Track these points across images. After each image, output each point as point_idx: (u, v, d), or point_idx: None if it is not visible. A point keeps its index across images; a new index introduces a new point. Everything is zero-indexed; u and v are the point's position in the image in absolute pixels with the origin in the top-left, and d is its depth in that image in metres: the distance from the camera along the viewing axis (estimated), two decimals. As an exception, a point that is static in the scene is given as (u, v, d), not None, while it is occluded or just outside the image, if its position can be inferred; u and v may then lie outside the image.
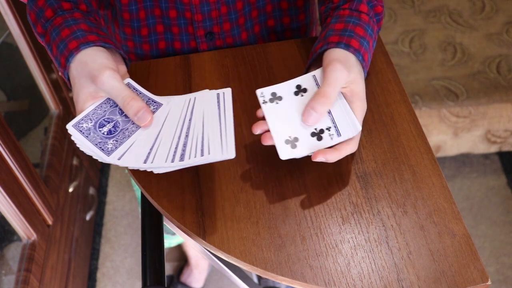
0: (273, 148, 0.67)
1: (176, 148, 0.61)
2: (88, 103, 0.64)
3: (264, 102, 0.63)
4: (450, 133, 1.64)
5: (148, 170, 0.61)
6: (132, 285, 1.67)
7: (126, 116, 0.64)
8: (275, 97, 0.63)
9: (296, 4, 0.82)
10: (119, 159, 0.61)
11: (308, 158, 0.66)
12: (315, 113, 0.60)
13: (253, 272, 0.58)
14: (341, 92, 0.63)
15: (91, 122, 0.63)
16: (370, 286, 0.55)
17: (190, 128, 0.63)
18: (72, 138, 0.64)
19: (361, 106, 0.63)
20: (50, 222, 1.32)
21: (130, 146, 0.62)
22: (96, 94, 0.64)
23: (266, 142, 0.61)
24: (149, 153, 0.61)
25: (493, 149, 1.74)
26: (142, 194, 0.66)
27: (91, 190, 1.72)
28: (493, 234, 1.70)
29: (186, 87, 0.74)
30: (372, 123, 0.68)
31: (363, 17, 0.69)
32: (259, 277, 1.53)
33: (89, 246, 1.70)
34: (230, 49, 0.79)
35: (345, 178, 0.64)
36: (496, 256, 1.65)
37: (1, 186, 1.06)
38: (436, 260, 0.56)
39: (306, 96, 0.63)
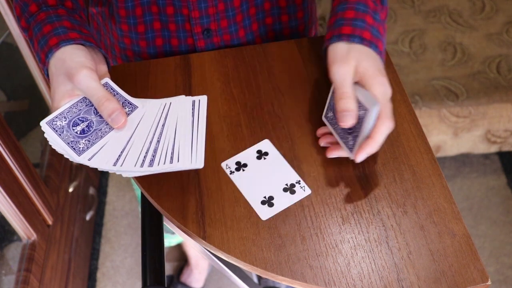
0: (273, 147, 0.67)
1: (146, 153, 0.62)
2: (64, 101, 0.64)
3: (231, 172, 0.65)
4: (450, 133, 1.64)
5: (117, 173, 0.61)
6: (132, 285, 1.67)
7: (101, 116, 0.65)
8: (240, 166, 0.65)
9: (295, 1, 0.82)
10: (89, 159, 0.62)
11: (308, 158, 0.66)
12: (348, 112, 0.61)
13: (253, 272, 0.58)
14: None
15: (65, 120, 0.64)
16: (370, 286, 0.55)
17: (162, 134, 0.64)
18: (45, 135, 0.64)
19: (377, 81, 0.62)
20: (50, 222, 1.32)
21: (102, 147, 0.63)
22: (72, 92, 0.64)
23: (330, 155, 0.64)
24: (119, 156, 0.62)
25: (493, 149, 1.74)
26: (142, 194, 0.66)
27: (91, 190, 1.72)
28: (493, 234, 1.70)
29: (186, 87, 0.74)
30: (372, 123, 0.68)
31: (369, 3, 0.68)
32: (259, 277, 1.53)
33: (89, 246, 1.70)
34: (230, 49, 0.79)
35: (345, 178, 0.64)
36: (496, 256, 1.65)
37: (1, 186, 1.06)
38: (436, 260, 0.56)
39: (268, 158, 0.65)
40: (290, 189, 0.63)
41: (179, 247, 1.74)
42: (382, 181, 0.63)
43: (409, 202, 0.61)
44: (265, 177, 0.64)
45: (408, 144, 0.66)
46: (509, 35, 1.73)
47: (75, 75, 0.63)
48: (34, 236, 1.22)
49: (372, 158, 0.65)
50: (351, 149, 0.63)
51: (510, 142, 1.71)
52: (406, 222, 0.59)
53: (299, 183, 0.63)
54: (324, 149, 0.66)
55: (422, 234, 0.58)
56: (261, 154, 0.66)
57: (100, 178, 1.89)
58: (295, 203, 0.61)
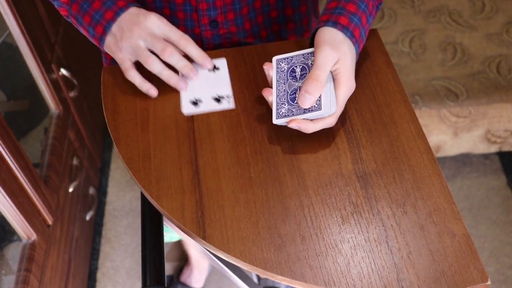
0: (273, 148, 0.67)
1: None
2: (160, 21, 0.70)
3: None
4: (450, 133, 1.64)
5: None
6: (132, 285, 1.67)
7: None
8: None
9: None
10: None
11: (308, 158, 0.66)
12: (309, 96, 0.63)
13: (253, 272, 0.58)
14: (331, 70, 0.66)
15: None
16: (370, 286, 0.55)
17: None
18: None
19: (346, 84, 0.65)
20: (50, 222, 1.32)
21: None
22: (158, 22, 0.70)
23: (264, 93, 0.69)
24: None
25: (493, 149, 1.74)
26: (142, 194, 0.66)
27: (91, 190, 1.72)
28: (493, 234, 1.70)
29: (186, 87, 0.74)
30: (372, 123, 0.68)
31: None
32: (259, 277, 1.53)
33: (89, 246, 1.70)
34: (230, 49, 0.79)
35: (345, 178, 0.64)
36: (496, 256, 1.65)
37: (1, 186, 1.06)
38: (436, 260, 0.56)
39: (217, 73, 0.74)
40: (218, 99, 0.71)
41: (179, 247, 1.74)
42: (382, 181, 0.63)
43: (409, 202, 0.61)
44: (204, 85, 0.73)
45: (408, 144, 0.66)
46: (509, 35, 1.73)
47: (153, 14, 0.70)
48: (34, 236, 1.22)
49: (372, 158, 0.65)
50: (278, 113, 0.67)
51: (510, 142, 1.71)
52: (406, 222, 0.59)
53: (228, 97, 0.72)
54: (324, 149, 0.66)
55: (422, 234, 0.58)
56: (214, 68, 0.75)
57: (100, 178, 1.89)
58: (215, 111, 0.70)
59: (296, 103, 0.66)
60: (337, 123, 0.69)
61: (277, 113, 0.67)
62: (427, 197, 0.61)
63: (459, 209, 0.60)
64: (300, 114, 0.65)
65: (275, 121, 0.67)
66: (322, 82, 0.63)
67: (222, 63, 0.75)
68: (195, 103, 0.71)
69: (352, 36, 0.67)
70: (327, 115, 0.64)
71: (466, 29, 1.76)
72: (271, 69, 0.69)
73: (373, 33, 0.79)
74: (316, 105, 0.64)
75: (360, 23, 0.68)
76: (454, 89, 1.60)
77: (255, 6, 0.82)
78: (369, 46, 0.77)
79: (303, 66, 0.68)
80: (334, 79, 0.66)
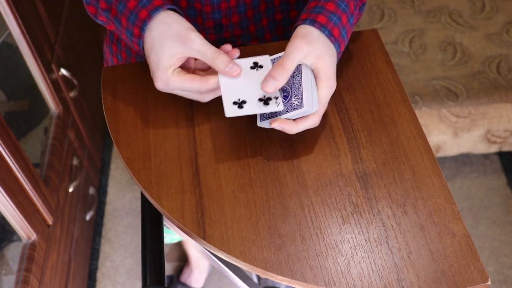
0: (273, 148, 0.67)
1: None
2: (172, 61, 0.65)
3: None
4: (450, 133, 1.64)
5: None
6: (132, 285, 1.67)
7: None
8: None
9: None
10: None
11: (308, 158, 0.66)
12: (273, 80, 0.63)
13: (253, 272, 0.58)
14: (311, 68, 0.65)
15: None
16: (370, 286, 0.55)
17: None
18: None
19: (327, 82, 0.65)
20: (50, 222, 1.32)
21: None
22: (181, 53, 0.65)
23: (273, 124, 0.66)
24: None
25: (493, 149, 1.74)
26: (142, 194, 0.66)
27: (91, 190, 1.72)
28: (493, 234, 1.70)
29: (186, 87, 0.74)
30: (372, 123, 0.68)
31: None
32: (259, 277, 1.53)
33: (89, 246, 1.70)
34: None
35: (345, 178, 0.64)
36: (496, 256, 1.65)
37: (1, 186, 1.06)
38: (436, 260, 0.56)
39: (260, 71, 0.66)
40: (265, 100, 0.64)
41: (179, 247, 1.74)
42: (382, 181, 0.63)
43: (409, 202, 0.61)
44: (248, 84, 0.66)
45: (408, 144, 0.66)
46: (509, 35, 1.73)
47: (188, 35, 0.65)
48: (34, 236, 1.22)
49: (372, 158, 0.65)
50: (262, 115, 0.66)
51: (510, 142, 1.71)
52: (406, 222, 0.59)
53: (276, 99, 0.64)
54: (324, 149, 0.66)
55: (422, 234, 0.58)
56: (256, 66, 0.67)
57: (100, 178, 1.89)
58: (264, 113, 0.66)
59: None
60: (337, 123, 0.69)
61: (261, 115, 0.66)
62: (427, 197, 0.61)
63: (459, 209, 0.60)
64: (283, 113, 0.64)
65: (260, 123, 0.66)
66: (288, 70, 0.63)
67: (265, 60, 0.68)
68: (239, 105, 0.64)
69: (330, 35, 0.66)
70: (310, 113, 0.64)
71: (466, 29, 1.76)
72: None
73: (373, 33, 0.79)
74: (298, 103, 0.64)
75: (340, 22, 0.68)
76: (454, 89, 1.60)
77: (260, 9, 0.82)
78: (369, 46, 0.77)
79: None
80: (315, 77, 0.65)
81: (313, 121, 0.65)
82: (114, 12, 0.70)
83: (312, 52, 0.64)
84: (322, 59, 0.65)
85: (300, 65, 0.65)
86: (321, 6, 0.68)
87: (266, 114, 0.66)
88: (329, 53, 0.65)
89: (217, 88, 0.66)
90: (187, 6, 0.79)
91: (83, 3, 0.75)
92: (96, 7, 0.73)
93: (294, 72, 0.66)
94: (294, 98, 0.64)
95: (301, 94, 0.63)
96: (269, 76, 0.63)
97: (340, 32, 0.68)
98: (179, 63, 0.66)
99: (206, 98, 0.68)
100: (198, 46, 0.65)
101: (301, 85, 0.64)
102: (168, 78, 0.65)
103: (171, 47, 0.65)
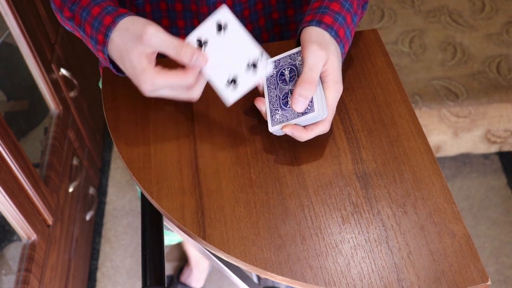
0: (273, 148, 0.67)
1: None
2: (144, 62, 0.61)
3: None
4: (450, 133, 1.64)
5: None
6: (132, 285, 1.67)
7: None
8: (201, 43, 0.63)
9: None
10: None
11: (308, 158, 0.66)
12: (303, 99, 0.62)
13: (253, 272, 0.58)
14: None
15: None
16: (370, 286, 0.55)
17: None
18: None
19: (335, 87, 0.64)
20: (50, 222, 1.32)
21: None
22: (147, 52, 0.62)
23: (257, 103, 0.65)
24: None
25: (493, 149, 1.74)
26: (142, 194, 0.66)
27: (91, 190, 1.72)
28: (493, 234, 1.70)
29: (186, 87, 0.74)
30: (372, 123, 0.68)
31: None
32: (259, 277, 1.53)
33: (89, 246, 1.70)
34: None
35: (345, 178, 0.64)
36: (496, 256, 1.65)
37: (1, 186, 1.06)
38: (436, 260, 0.56)
39: (228, 32, 0.62)
40: (252, 64, 0.61)
41: (179, 247, 1.74)
42: (382, 181, 0.63)
43: (409, 202, 0.61)
44: (227, 56, 0.62)
45: (408, 144, 0.66)
46: (509, 35, 1.73)
47: (144, 33, 0.60)
48: (34, 236, 1.22)
49: (372, 158, 0.65)
50: (273, 120, 0.64)
51: (510, 142, 1.71)
52: (406, 222, 0.59)
53: (262, 56, 0.62)
54: (324, 149, 0.66)
55: (422, 234, 0.58)
56: (220, 28, 0.62)
57: (100, 178, 1.89)
58: (258, 83, 0.63)
59: (289, 107, 0.64)
60: (337, 123, 0.69)
61: (272, 120, 0.65)
62: (427, 197, 0.61)
63: (459, 209, 0.60)
64: (294, 118, 0.63)
65: (271, 128, 0.65)
66: (315, 84, 0.62)
67: (226, 16, 0.62)
68: (234, 83, 0.61)
69: (336, 36, 0.66)
70: (321, 118, 0.63)
71: (466, 29, 1.76)
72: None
73: (373, 33, 0.79)
74: (309, 107, 0.63)
75: (345, 22, 0.67)
76: (454, 89, 1.60)
77: (257, 8, 0.82)
78: (369, 46, 0.77)
79: (291, 68, 0.66)
80: (322, 82, 0.64)
81: (323, 128, 0.64)
82: (78, 20, 0.68)
83: (328, 57, 0.63)
84: (332, 63, 0.64)
85: None
86: (325, 6, 0.67)
87: (277, 118, 0.64)
88: (337, 56, 0.65)
89: (201, 78, 0.63)
90: (182, 9, 0.79)
91: None
92: (60, 16, 0.72)
93: (300, 72, 0.65)
94: None
95: (312, 99, 0.63)
96: (298, 96, 0.62)
97: (345, 33, 0.67)
98: (153, 60, 0.62)
99: (194, 94, 0.64)
100: (159, 42, 0.61)
101: None
102: (153, 78, 0.61)
103: (134, 48, 0.61)
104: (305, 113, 0.63)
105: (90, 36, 0.67)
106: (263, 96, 0.67)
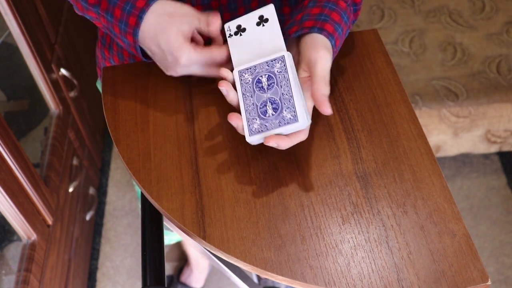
0: (273, 148, 0.67)
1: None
2: (181, 38, 0.65)
3: (230, 35, 0.67)
4: (450, 133, 1.64)
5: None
6: (132, 285, 1.67)
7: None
8: (239, 29, 0.67)
9: None
10: None
11: (308, 158, 0.66)
12: (326, 97, 0.61)
13: (253, 272, 0.58)
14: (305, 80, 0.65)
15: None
16: (370, 286, 0.55)
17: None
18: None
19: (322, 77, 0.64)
20: (50, 222, 1.32)
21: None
22: (183, 29, 0.66)
23: (232, 120, 0.63)
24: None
25: (493, 149, 1.74)
26: (142, 194, 0.66)
27: (91, 190, 1.72)
28: (493, 234, 1.70)
29: (186, 86, 0.74)
30: (372, 123, 0.68)
31: (341, 3, 0.70)
32: (259, 277, 1.53)
33: (89, 246, 1.70)
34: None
35: (345, 178, 0.64)
36: (496, 256, 1.65)
37: (1, 186, 1.06)
38: (436, 260, 0.56)
39: (267, 25, 0.66)
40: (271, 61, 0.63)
41: (179, 247, 1.74)
42: (382, 181, 0.63)
43: (409, 202, 0.61)
44: (255, 46, 0.65)
45: (408, 144, 0.66)
46: (509, 35, 1.73)
47: (180, 13, 0.66)
48: (34, 236, 1.22)
49: (372, 158, 0.65)
50: (250, 129, 0.61)
51: (510, 142, 1.71)
52: (406, 222, 0.59)
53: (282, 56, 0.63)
54: (324, 149, 0.66)
55: (422, 234, 0.58)
56: (261, 20, 0.66)
57: (100, 178, 1.89)
58: (252, 127, 0.61)
59: (268, 116, 0.60)
60: (337, 123, 0.69)
61: (249, 129, 0.61)
62: (427, 197, 0.61)
63: (459, 209, 0.60)
64: (275, 128, 0.60)
65: (249, 139, 0.61)
66: (328, 84, 0.62)
67: (269, 11, 0.66)
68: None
69: (334, 45, 0.67)
70: (305, 127, 0.61)
71: (466, 29, 1.76)
72: (230, 89, 0.64)
73: (373, 33, 0.79)
74: (291, 117, 0.60)
75: (342, 34, 0.69)
76: (454, 89, 1.60)
77: (252, 6, 0.82)
78: (369, 46, 0.77)
79: (269, 75, 0.63)
80: (310, 84, 0.64)
81: (304, 136, 0.63)
82: (105, 5, 0.69)
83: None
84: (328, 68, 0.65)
85: (286, 72, 0.62)
86: (326, 15, 0.68)
87: (255, 128, 0.61)
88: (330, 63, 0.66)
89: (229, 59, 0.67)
90: None
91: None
92: (82, 4, 0.72)
93: (279, 80, 0.62)
94: (286, 111, 0.60)
95: (294, 107, 0.60)
96: (324, 95, 0.61)
97: (339, 43, 0.69)
98: (189, 38, 0.66)
99: (224, 71, 0.66)
100: (197, 14, 0.66)
101: (291, 96, 0.61)
102: (190, 52, 0.65)
103: (172, 25, 0.65)
104: (287, 123, 0.60)
105: (119, 20, 0.68)
106: (236, 109, 0.64)
